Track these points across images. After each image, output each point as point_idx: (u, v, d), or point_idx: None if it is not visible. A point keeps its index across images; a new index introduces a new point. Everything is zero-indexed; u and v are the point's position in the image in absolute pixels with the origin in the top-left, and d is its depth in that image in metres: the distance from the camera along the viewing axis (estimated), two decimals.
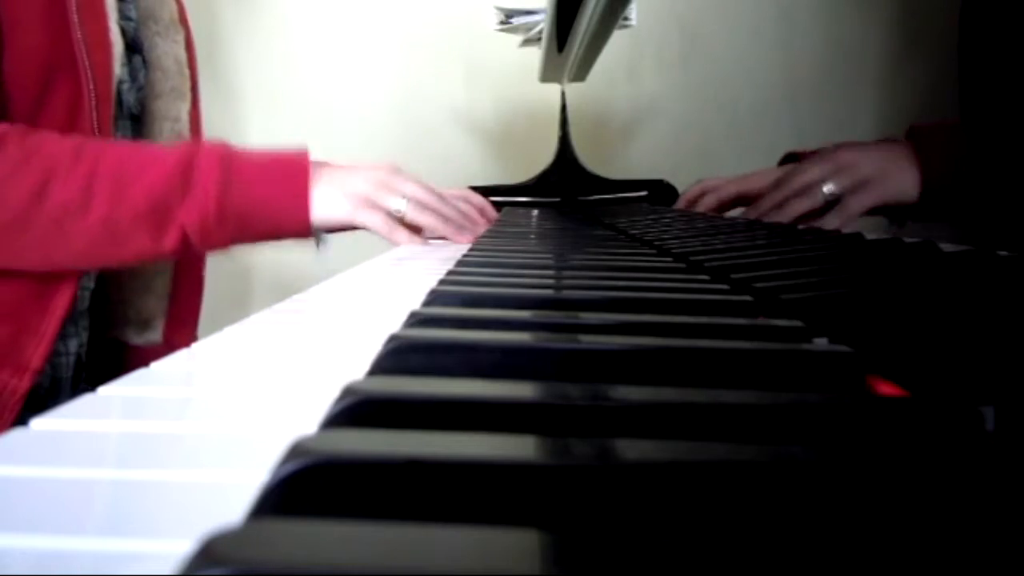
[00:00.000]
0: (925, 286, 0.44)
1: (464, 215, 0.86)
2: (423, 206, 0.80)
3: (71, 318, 0.82)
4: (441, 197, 0.84)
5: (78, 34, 0.73)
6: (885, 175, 0.80)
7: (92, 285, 0.85)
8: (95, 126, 0.76)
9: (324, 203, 0.75)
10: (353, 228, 0.81)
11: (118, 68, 0.81)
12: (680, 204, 1.21)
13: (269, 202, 0.74)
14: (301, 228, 0.75)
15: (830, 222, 0.83)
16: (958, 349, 0.29)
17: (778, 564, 0.14)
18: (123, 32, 0.85)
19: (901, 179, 0.79)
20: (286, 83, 1.60)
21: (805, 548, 0.14)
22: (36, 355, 0.74)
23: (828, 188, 0.83)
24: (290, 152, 0.77)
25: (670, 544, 0.14)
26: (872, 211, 0.86)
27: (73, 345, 0.83)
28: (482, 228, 0.89)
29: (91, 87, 0.75)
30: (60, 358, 0.82)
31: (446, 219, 0.82)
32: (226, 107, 1.59)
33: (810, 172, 0.86)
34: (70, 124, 0.75)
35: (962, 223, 0.78)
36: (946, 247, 0.57)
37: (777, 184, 0.89)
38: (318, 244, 0.81)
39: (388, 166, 0.83)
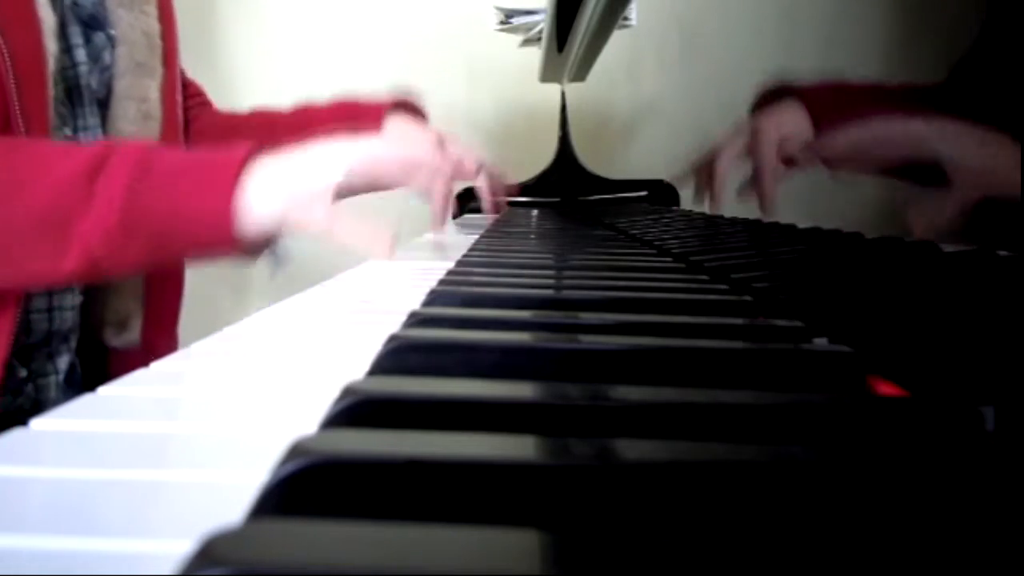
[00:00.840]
0: (925, 286, 0.44)
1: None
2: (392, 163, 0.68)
3: (56, 336, 0.78)
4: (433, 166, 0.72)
5: None
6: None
7: (78, 300, 0.80)
8: (19, 114, 0.67)
9: (257, 204, 0.60)
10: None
11: (52, 46, 0.72)
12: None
13: (185, 211, 0.60)
14: (226, 238, 0.61)
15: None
16: (958, 349, 0.29)
17: (778, 564, 0.14)
18: (79, 7, 0.78)
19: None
20: (286, 84, 1.60)
21: (805, 548, 0.14)
22: None
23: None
24: (226, 149, 0.63)
25: (670, 544, 0.14)
26: None
27: (63, 362, 0.79)
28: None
29: (8, 68, 0.67)
30: (48, 378, 0.78)
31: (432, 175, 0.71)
32: (225, 106, 1.59)
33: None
34: (3, 115, 0.68)
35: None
36: (946, 247, 0.57)
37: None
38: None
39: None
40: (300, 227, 0.62)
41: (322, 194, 0.62)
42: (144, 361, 0.31)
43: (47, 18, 0.72)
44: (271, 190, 0.61)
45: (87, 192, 0.60)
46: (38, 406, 0.77)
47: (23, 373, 0.76)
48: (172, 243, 0.62)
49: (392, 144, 0.71)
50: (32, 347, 0.76)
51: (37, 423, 0.23)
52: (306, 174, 0.63)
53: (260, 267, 0.69)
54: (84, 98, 0.79)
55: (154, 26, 0.86)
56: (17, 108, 0.68)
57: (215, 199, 0.60)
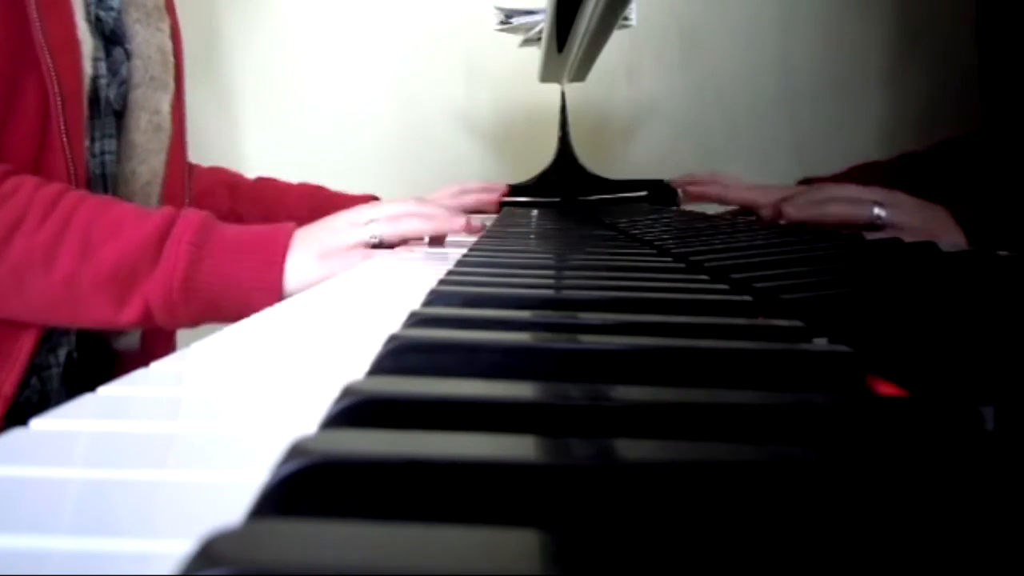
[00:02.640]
0: (925, 286, 0.44)
1: (452, 206, 0.84)
2: (396, 218, 0.76)
3: (60, 329, 0.80)
4: (420, 200, 0.81)
5: (40, 35, 0.70)
6: (936, 232, 0.78)
7: None
8: (63, 131, 0.73)
9: (297, 271, 0.70)
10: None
11: (89, 67, 0.77)
12: (682, 181, 1.21)
13: (240, 282, 0.69)
14: (270, 303, 0.70)
15: None
16: (958, 349, 0.29)
17: (778, 564, 0.14)
18: (102, 23, 0.81)
19: (950, 241, 0.77)
20: (285, 84, 1.60)
21: (805, 548, 0.14)
22: (8, 382, 0.71)
23: (878, 211, 0.80)
24: (273, 227, 0.73)
25: (670, 544, 0.14)
26: None
27: (62, 354, 0.81)
28: (487, 197, 0.86)
29: (56, 90, 0.72)
30: (50, 370, 0.79)
31: (428, 217, 0.78)
32: (224, 109, 1.59)
33: (862, 190, 0.83)
34: (42, 129, 0.72)
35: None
36: (946, 247, 0.57)
37: (821, 187, 0.87)
38: None
39: (371, 204, 0.81)
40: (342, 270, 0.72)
41: (355, 246, 0.73)
42: (148, 361, 0.32)
43: (86, 42, 0.77)
44: (311, 258, 0.71)
45: (155, 254, 0.67)
46: (43, 398, 0.78)
47: (29, 367, 0.77)
48: (223, 306, 0.69)
49: (404, 203, 0.80)
50: (37, 340, 0.77)
51: (37, 423, 0.23)
52: (338, 236, 0.73)
53: None
54: (102, 109, 0.82)
55: (167, 43, 0.90)
56: (62, 125, 0.73)
57: (267, 271, 0.69)
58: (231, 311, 0.69)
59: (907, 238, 0.78)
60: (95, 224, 0.68)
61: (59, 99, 0.72)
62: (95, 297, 0.67)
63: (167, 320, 0.69)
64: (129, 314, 0.68)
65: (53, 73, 0.71)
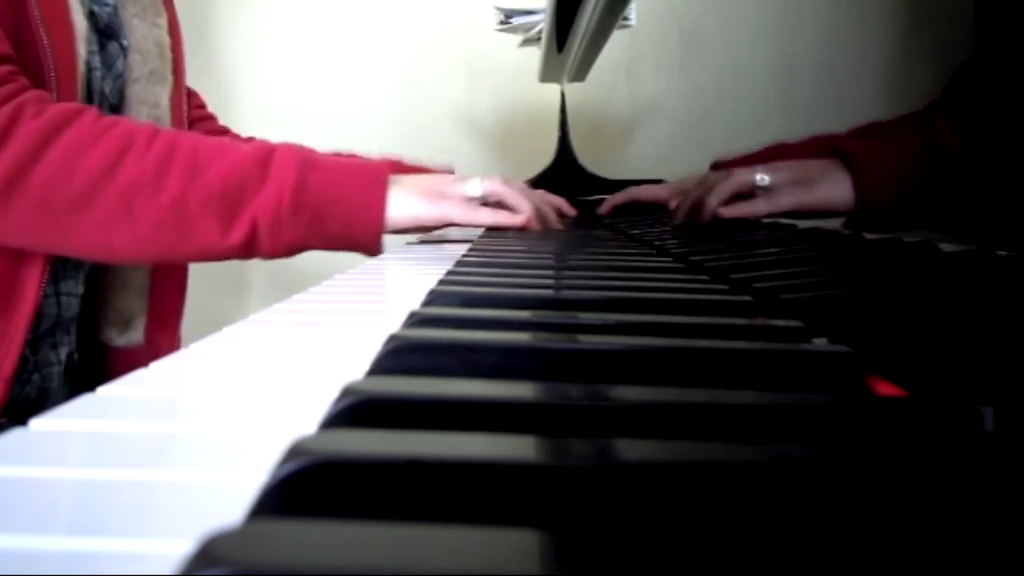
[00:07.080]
0: (925, 286, 0.44)
1: (542, 211, 0.84)
2: (497, 192, 0.79)
3: (61, 325, 0.79)
4: (525, 191, 0.84)
5: (35, 11, 0.71)
6: (818, 180, 0.81)
7: (81, 290, 0.82)
8: None
9: (399, 203, 0.73)
10: (430, 228, 0.80)
11: (83, 49, 0.76)
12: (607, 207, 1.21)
13: (345, 198, 0.71)
14: (374, 229, 0.72)
15: (759, 206, 0.83)
16: (958, 349, 0.29)
17: (778, 564, 0.14)
18: (96, 17, 0.81)
19: (835, 185, 0.79)
20: (285, 83, 1.60)
21: (805, 548, 0.14)
22: (6, 362, 0.70)
23: (760, 177, 0.82)
24: (369, 159, 0.77)
25: (670, 544, 0.14)
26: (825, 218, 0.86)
27: (63, 353, 0.80)
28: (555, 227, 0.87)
29: (51, 67, 0.72)
30: (51, 368, 0.79)
31: (523, 202, 0.81)
32: (223, 108, 1.59)
33: (742, 170, 0.86)
34: None
35: (923, 228, 0.79)
36: (946, 247, 0.57)
37: (704, 178, 0.90)
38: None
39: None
40: (437, 224, 0.76)
41: (457, 195, 0.76)
42: (147, 360, 0.31)
43: (79, 23, 0.77)
44: (413, 195, 0.74)
45: (263, 172, 0.69)
46: (44, 395, 0.78)
47: (31, 362, 0.76)
48: (327, 225, 0.71)
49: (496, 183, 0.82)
50: (38, 336, 0.77)
51: (37, 423, 0.23)
52: (441, 183, 0.76)
53: (259, 267, 0.76)
54: (95, 102, 0.81)
55: (165, 38, 0.90)
56: (57, 101, 0.72)
57: (373, 190, 0.72)
58: (334, 231, 0.71)
59: (801, 190, 0.79)
60: (199, 149, 0.69)
61: (54, 77, 0.72)
62: (204, 218, 0.68)
63: (270, 241, 0.70)
64: (236, 235, 0.68)
65: (49, 49, 0.71)
